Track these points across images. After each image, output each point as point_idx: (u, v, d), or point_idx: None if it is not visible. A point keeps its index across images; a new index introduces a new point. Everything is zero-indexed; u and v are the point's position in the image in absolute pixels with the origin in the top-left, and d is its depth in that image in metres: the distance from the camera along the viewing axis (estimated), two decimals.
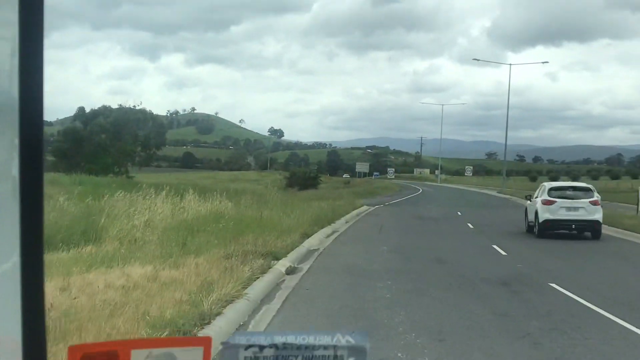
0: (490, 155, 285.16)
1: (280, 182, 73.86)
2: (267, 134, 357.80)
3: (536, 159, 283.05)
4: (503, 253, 20.17)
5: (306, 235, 20.93)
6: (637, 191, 40.32)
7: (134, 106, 73.74)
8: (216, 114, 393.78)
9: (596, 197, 26.98)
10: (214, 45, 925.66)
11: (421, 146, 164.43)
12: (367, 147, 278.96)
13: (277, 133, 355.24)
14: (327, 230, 24.87)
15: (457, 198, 63.67)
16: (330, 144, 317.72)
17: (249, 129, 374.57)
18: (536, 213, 27.16)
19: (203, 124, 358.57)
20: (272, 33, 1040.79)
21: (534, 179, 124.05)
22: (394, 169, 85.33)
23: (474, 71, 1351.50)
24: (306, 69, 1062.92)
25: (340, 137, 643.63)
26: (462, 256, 19.15)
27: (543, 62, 75.46)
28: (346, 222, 30.25)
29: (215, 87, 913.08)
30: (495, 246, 21.79)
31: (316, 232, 22.82)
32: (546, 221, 26.45)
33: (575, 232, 26.79)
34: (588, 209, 26.38)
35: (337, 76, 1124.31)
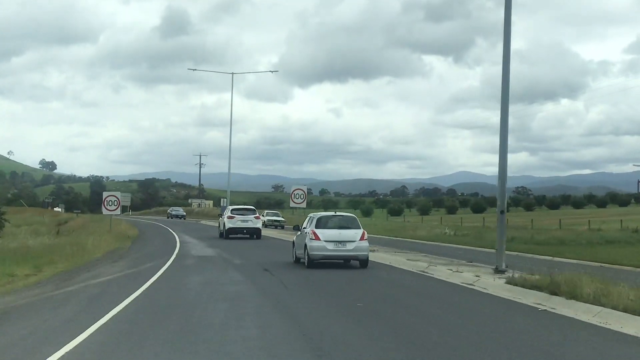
0: (276, 188, 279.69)
1: None
2: (38, 166, 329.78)
3: (323, 192, 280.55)
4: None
5: None
6: None
7: None
8: None
9: (258, 213, 45.19)
10: None
11: (200, 167, 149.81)
12: (147, 180, 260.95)
13: (48, 166, 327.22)
14: None
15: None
16: (108, 177, 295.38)
17: (18, 161, 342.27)
18: (224, 224, 43.36)
19: None
20: (55, 64, 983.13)
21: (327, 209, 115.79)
22: (129, 198, 63.93)
23: (260, 106, 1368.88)
24: (91, 101, 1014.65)
25: (124, 171, 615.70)
26: None
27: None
28: None
29: None
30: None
31: None
32: (229, 229, 42.75)
33: (247, 235, 43.43)
34: (253, 221, 43.16)
35: (123, 109, 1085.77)
